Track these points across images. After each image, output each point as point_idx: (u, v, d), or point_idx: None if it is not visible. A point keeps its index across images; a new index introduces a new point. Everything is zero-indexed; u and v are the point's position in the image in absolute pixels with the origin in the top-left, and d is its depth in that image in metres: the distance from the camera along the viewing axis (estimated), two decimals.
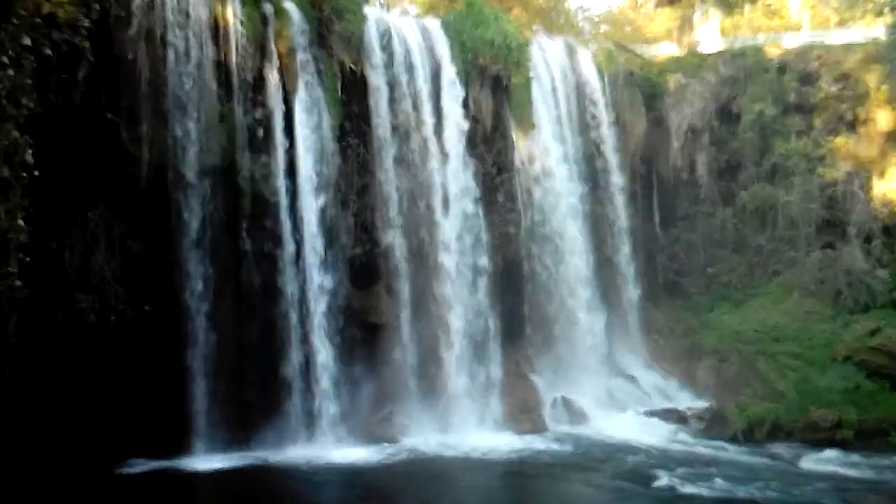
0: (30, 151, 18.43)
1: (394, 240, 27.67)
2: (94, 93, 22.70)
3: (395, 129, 28.07)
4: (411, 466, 23.63)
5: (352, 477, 22.67)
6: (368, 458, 24.02)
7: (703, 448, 25.53)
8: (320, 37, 26.81)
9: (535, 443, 26.12)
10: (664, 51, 44.07)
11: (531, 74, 31.76)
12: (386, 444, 25.32)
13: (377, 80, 27.80)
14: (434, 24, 30.97)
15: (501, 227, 30.55)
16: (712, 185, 35.99)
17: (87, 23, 21.65)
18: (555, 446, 25.88)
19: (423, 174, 28.52)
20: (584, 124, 33.85)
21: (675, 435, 27.17)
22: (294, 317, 25.23)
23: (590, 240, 32.52)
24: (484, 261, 29.13)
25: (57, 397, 21.64)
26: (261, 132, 25.27)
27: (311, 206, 25.71)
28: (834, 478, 22.05)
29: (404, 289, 27.68)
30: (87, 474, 20.85)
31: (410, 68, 28.81)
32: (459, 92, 29.65)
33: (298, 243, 25.46)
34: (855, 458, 24.10)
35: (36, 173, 18.57)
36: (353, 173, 27.53)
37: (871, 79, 33.87)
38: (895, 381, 27.61)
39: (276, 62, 25.74)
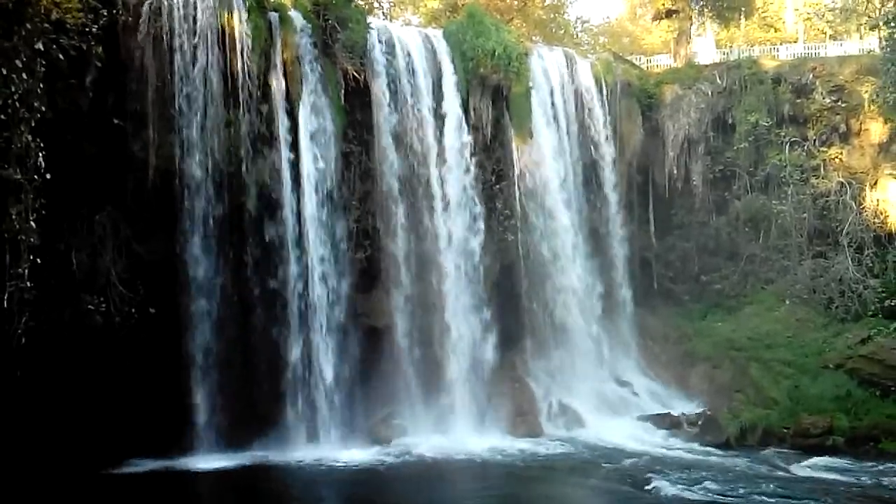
0: (41, 155, 18.87)
1: (394, 245, 28.02)
2: (102, 98, 23.12)
3: (396, 136, 28.40)
4: (409, 468, 23.97)
5: (351, 478, 23.01)
6: (368, 459, 24.38)
7: (696, 453, 25.79)
8: (324, 45, 27.18)
9: (532, 446, 26.38)
10: (661, 62, 44.59)
11: (531, 84, 32.03)
12: (385, 446, 25.68)
13: (380, 89, 28.14)
14: (436, 34, 31.32)
15: (500, 234, 30.90)
16: (707, 195, 36.20)
17: (95, 28, 21.99)
18: (551, 450, 26.15)
19: (424, 181, 28.88)
20: (582, 133, 34.12)
21: (669, 440, 27.45)
22: (297, 319, 25.65)
23: (586, 247, 32.78)
24: (483, 266, 29.53)
25: (60, 397, 21.97)
26: (265, 138, 25.65)
27: (314, 211, 26.12)
28: (824, 483, 22.27)
29: (404, 293, 28.03)
30: (89, 473, 21.21)
31: (412, 77, 29.16)
32: (460, 101, 30.01)
33: (302, 247, 25.85)
34: (845, 464, 24.34)
35: (48, 176, 19.02)
36: (356, 179, 27.91)
37: (865, 91, 34.16)
38: (886, 389, 27.74)
39: (280, 70, 26.10)
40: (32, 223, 18.73)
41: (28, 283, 18.92)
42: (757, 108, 35.47)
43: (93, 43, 22.04)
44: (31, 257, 18.83)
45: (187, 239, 24.36)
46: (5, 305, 18.84)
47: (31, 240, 18.77)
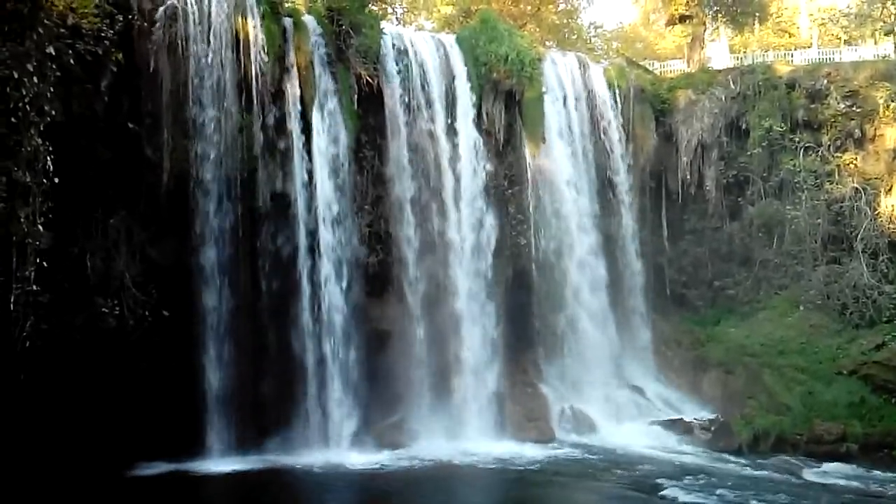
0: (50, 158, 18.97)
1: (406, 249, 28.11)
2: (117, 102, 23.26)
3: (409, 141, 28.54)
4: (421, 472, 23.94)
5: (363, 481, 23.07)
6: (379, 463, 24.40)
7: (708, 459, 25.69)
8: (338, 51, 27.35)
9: (543, 451, 26.35)
10: (674, 67, 44.49)
11: (544, 89, 32.02)
12: (397, 450, 25.63)
13: (393, 94, 28.30)
14: (449, 40, 31.41)
15: (512, 239, 30.91)
16: (720, 200, 36.03)
17: (110, 33, 22.14)
18: (562, 455, 26.14)
19: (436, 185, 28.96)
20: (595, 139, 34.11)
21: (681, 445, 27.35)
22: (309, 323, 25.71)
23: (599, 252, 32.68)
24: (495, 271, 29.54)
25: (72, 400, 22.02)
26: (279, 143, 25.84)
27: (327, 215, 26.22)
28: (838, 490, 22.24)
29: (416, 297, 28.07)
30: (101, 476, 21.18)
31: (425, 82, 29.27)
32: (473, 105, 30.08)
33: (314, 252, 25.97)
34: (859, 471, 24.30)
35: (56, 180, 19.07)
36: (368, 184, 28.07)
37: (880, 96, 33.94)
38: None
39: (294, 75, 26.26)
40: (40, 226, 18.77)
41: (35, 287, 18.92)
42: (771, 114, 35.30)
43: (108, 48, 22.18)
44: (39, 260, 18.83)
45: (200, 243, 24.46)
46: (12, 308, 18.89)
47: (38, 243, 18.82)
